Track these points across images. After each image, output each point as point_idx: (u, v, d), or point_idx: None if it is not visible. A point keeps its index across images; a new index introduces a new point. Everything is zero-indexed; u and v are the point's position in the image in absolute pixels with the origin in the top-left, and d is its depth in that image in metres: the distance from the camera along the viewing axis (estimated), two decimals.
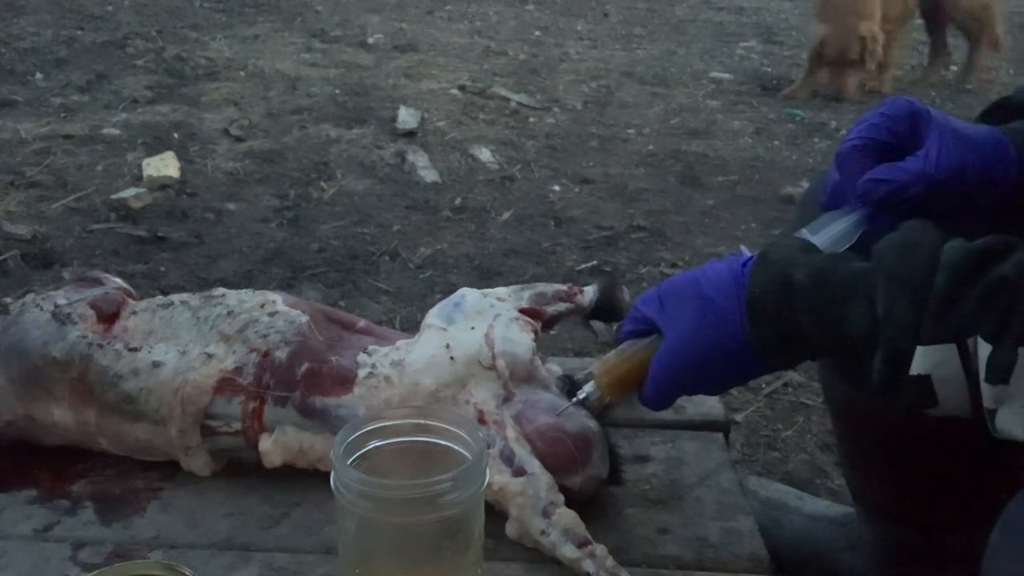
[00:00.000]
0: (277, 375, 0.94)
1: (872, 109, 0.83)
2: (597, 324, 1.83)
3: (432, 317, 0.99)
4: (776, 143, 3.16)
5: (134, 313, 1.03)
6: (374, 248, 2.30)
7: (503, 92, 3.52)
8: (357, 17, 4.59)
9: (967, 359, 0.65)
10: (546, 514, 0.85)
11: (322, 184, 2.66)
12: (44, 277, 2.09)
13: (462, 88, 3.55)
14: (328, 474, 0.73)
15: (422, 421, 0.78)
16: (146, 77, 3.51)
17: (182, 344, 0.97)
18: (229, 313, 0.99)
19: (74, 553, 0.87)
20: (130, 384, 0.94)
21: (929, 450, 0.99)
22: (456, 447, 0.76)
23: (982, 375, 0.64)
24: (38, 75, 3.49)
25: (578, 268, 2.23)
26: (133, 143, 2.87)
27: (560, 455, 0.89)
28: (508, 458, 0.88)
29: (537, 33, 4.51)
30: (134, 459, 0.98)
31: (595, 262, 2.26)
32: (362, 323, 1.04)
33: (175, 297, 1.04)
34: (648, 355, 0.81)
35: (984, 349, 0.63)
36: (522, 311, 1.01)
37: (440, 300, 1.03)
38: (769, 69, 4.00)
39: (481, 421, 0.90)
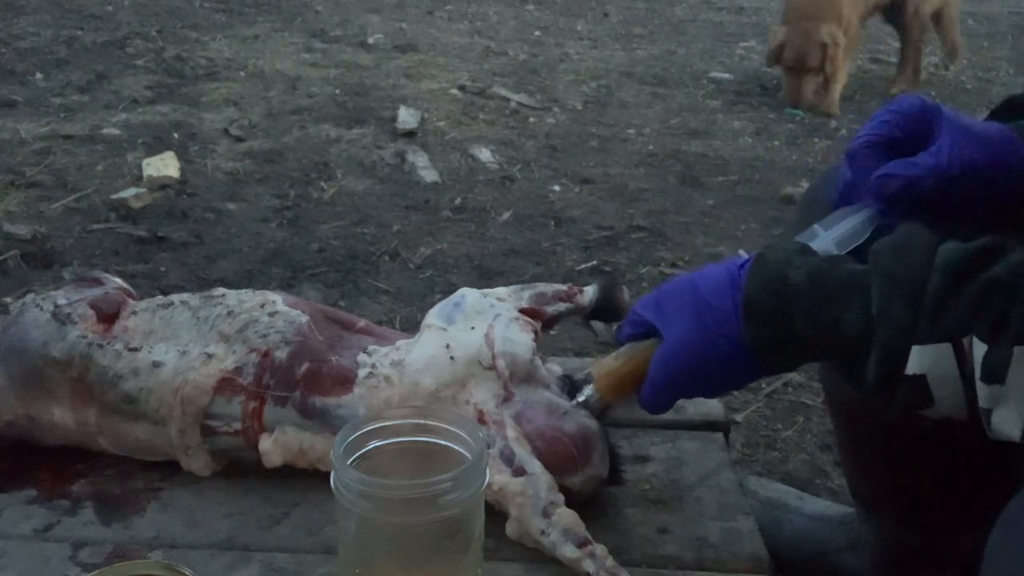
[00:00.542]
0: (277, 375, 0.94)
1: (884, 107, 0.83)
2: (597, 324, 1.83)
3: (432, 317, 0.99)
4: (776, 143, 3.17)
5: (134, 313, 1.03)
6: (374, 248, 2.30)
7: (503, 92, 3.52)
8: (357, 17, 4.59)
9: (962, 359, 0.65)
10: (546, 514, 0.85)
11: (322, 184, 2.66)
12: (44, 277, 2.09)
13: (462, 88, 3.55)
14: (328, 474, 0.73)
15: (422, 421, 0.78)
16: (146, 77, 3.51)
17: (182, 344, 0.97)
18: (229, 313, 0.99)
19: (74, 553, 0.87)
20: (130, 384, 0.94)
21: (929, 450, 0.99)
22: (456, 447, 0.76)
23: (977, 374, 0.64)
24: (38, 75, 3.49)
25: (578, 268, 2.23)
26: (133, 143, 2.87)
27: (560, 455, 0.89)
28: (508, 458, 0.88)
29: (537, 33, 4.51)
30: (134, 459, 0.98)
31: (595, 262, 2.26)
32: (362, 323, 1.04)
33: (175, 297, 1.04)
34: (647, 358, 0.81)
35: (980, 349, 0.64)
36: (522, 311, 1.01)
37: (440, 300, 1.03)
38: (769, 69, 4.00)
39: (481, 421, 0.90)
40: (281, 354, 0.95)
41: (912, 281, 0.66)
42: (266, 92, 3.42)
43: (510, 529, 0.87)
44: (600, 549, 0.83)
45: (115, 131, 2.96)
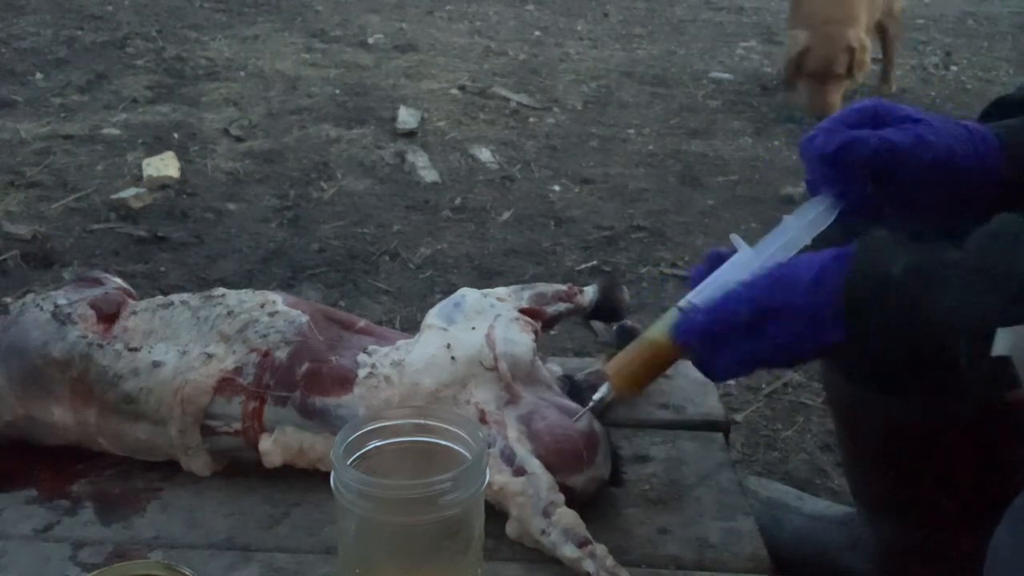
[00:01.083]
0: (277, 375, 0.94)
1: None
2: (597, 324, 1.83)
3: (432, 317, 0.99)
4: (776, 143, 3.16)
5: (134, 313, 1.03)
6: (374, 248, 2.30)
7: (503, 92, 3.52)
8: (357, 17, 4.58)
9: None
10: (546, 514, 0.85)
11: (322, 184, 2.66)
12: (44, 277, 2.09)
13: (462, 88, 3.55)
14: (328, 474, 0.73)
15: (422, 421, 0.78)
16: (146, 77, 3.51)
17: (182, 344, 0.97)
18: (229, 313, 0.99)
19: (74, 553, 0.87)
20: (130, 384, 0.94)
21: (929, 450, 0.99)
22: (456, 447, 0.76)
23: None
24: (38, 75, 3.49)
25: (578, 268, 2.23)
26: (133, 143, 2.87)
27: (568, 453, 0.89)
28: (508, 458, 0.88)
29: (537, 33, 4.51)
30: (134, 459, 0.98)
31: (595, 262, 2.26)
32: (362, 323, 1.04)
33: (175, 297, 1.04)
34: (658, 349, 0.80)
35: None
36: (522, 311, 1.01)
37: (440, 300, 1.03)
38: (769, 69, 3.99)
39: (482, 421, 0.90)
40: (281, 354, 0.95)
41: (1000, 266, 0.66)
42: (266, 92, 3.42)
43: (510, 529, 0.87)
44: (600, 549, 0.83)
45: (115, 131, 2.96)
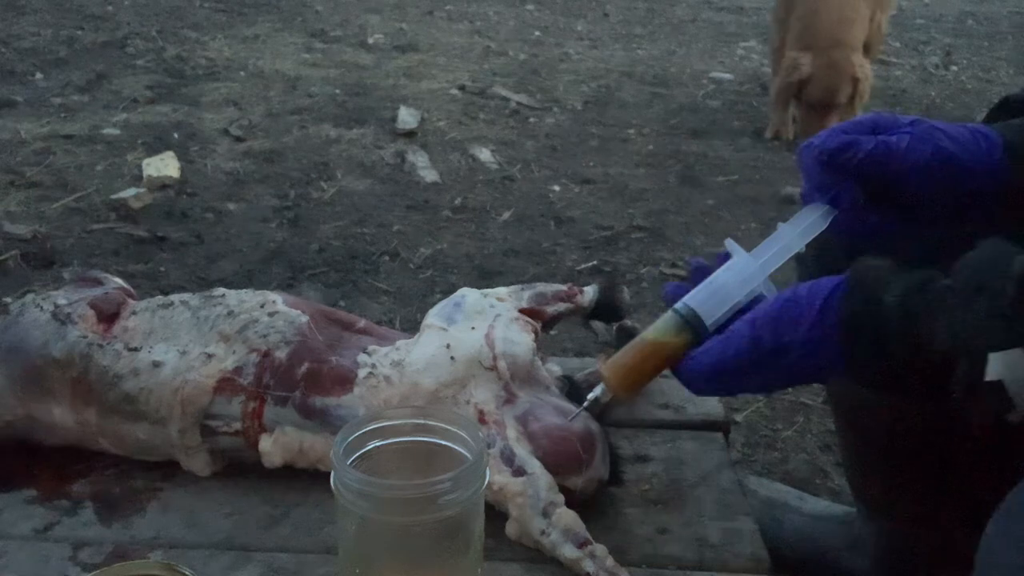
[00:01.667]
0: (277, 375, 0.94)
1: None
2: (597, 324, 1.83)
3: (432, 317, 0.99)
4: (776, 143, 3.16)
5: (134, 313, 1.03)
6: (374, 248, 2.30)
7: (503, 92, 3.52)
8: (357, 17, 4.59)
9: None
10: (546, 514, 0.85)
11: (322, 184, 2.66)
12: (44, 277, 2.09)
13: (462, 88, 3.55)
14: (328, 474, 0.73)
15: (422, 421, 0.78)
16: (146, 77, 3.51)
17: (182, 344, 0.97)
18: (229, 313, 0.99)
19: (74, 553, 0.87)
20: (130, 384, 0.94)
21: (930, 450, 0.99)
22: (456, 447, 0.76)
23: None
24: (38, 75, 3.49)
25: (578, 268, 2.23)
26: (133, 143, 2.87)
27: (566, 454, 0.89)
28: (508, 458, 0.88)
29: (537, 33, 4.51)
30: (134, 459, 0.98)
31: (595, 262, 2.26)
32: (362, 323, 1.04)
33: (175, 297, 1.04)
34: (655, 350, 0.80)
35: None
36: (522, 311, 1.01)
37: (440, 300, 1.03)
38: (769, 69, 4.00)
39: (481, 421, 0.90)
40: (281, 354, 0.95)
41: (990, 292, 0.66)
42: (266, 92, 3.42)
43: (510, 529, 0.87)
44: (600, 549, 0.83)
45: (115, 131, 2.96)
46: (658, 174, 2.85)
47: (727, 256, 0.84)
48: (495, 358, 0.93)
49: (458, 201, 2.59)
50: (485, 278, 2.15)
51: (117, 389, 0.94)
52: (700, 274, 0.84)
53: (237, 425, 0.94)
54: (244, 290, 1.04)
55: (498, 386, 0.93)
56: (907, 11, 5.26)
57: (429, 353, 0.94)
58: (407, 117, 3.15)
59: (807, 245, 0.83)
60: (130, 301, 1.06)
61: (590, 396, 0.84)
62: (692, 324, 0.79)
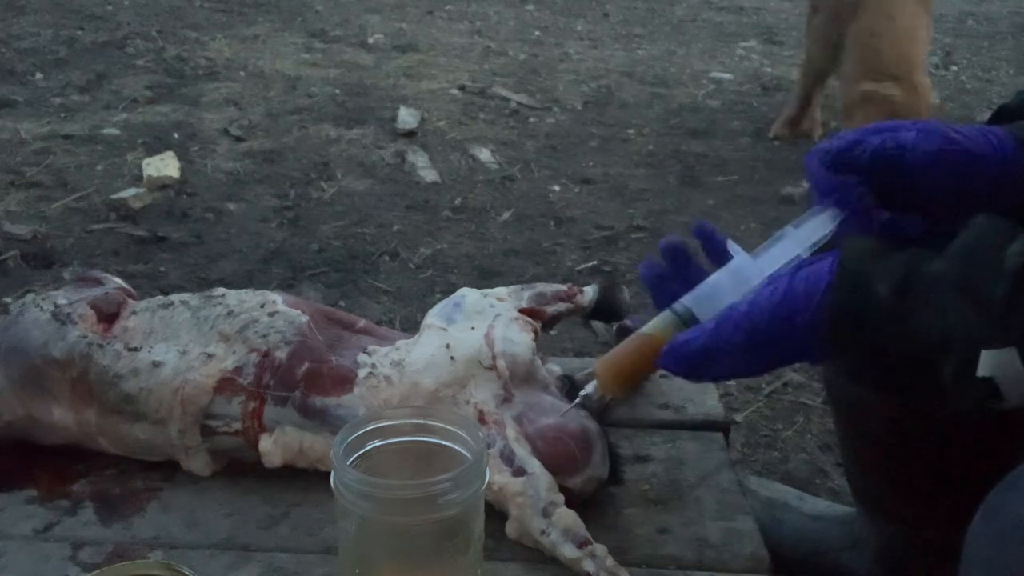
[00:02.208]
0: (277, 375, 0.94)
1: None
2: (597, 324, 1.83)
3: (432, 317, 0.99)
4: (776, 143, 3.16)
5: (134, 313, 1.03)
6: (374, 248, 2.30)
7: (503, 92, 3.52)
8: (357, 17, 4.58)
9: None
10: (546, 514, 0.85)
11: (322, 184, 2.66)
12: (44, 277, 2.09)
13: (462, 88, 3.55)
14: (328, 474, 0.73)
15: (422, 421, 0.78)
16: (146, 77, 3.51)
17: (182, 344, 0.97)
18: (229, 313, 0.99)
19: (74, 553, 0.87)
20: (130, 384, 0.94)
21: (931, 449, 0.99)
22: (456, 447, 0.76)
23: None
24: (38, 75, 3.49)
25: (578, 268, 2.23)
26: (133, 143, 2.87)
27: (562, 456, 0.89)
28: (508, 458, 0.88)
29: (537, 33, 4.51)
30: (134, 459, 0.98)
31: (595, 262, 2.26)
32: (362, 323, 1.04)
33: (175, 297, 1.04)
34: (649, 348, 0.80)
35: None
36: (522, 311, 1.01)
37: (440, 300, 1.03)
38: (769, 69, 4.00)
39: (481, 421, 0.90)
40: (281, 354, 0.95)
41: (980, 288, 0.66)
42: (266, 92, 3.42)
43: (510, 529, 0.87)
44: (600, 549, 0.83)
45: (115, 131, 2.96)
46: (658, 174, 2.85)
47: (705, 234, 0.83)
48: (495, 358, 0.93)
49: (458, 201, 2.59)
50: (485, 278, 2.15)
51: (117, 389, 0.94)
52: (674, 253, 0.83)
53: (237, 425, 0.94)
54: (244, 290, 1.04)
55: (498, 386, 0.93)
56: None
57: (429, 353, 0.94)
58: (407, 117, 3.15)
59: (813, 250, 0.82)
60: (130, 301, 1.06)
61: (581, 392, 0.84)
62: (687, 324, 0.79)
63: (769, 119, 3.39)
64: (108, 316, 1.02)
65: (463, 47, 4.17)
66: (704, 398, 1.12)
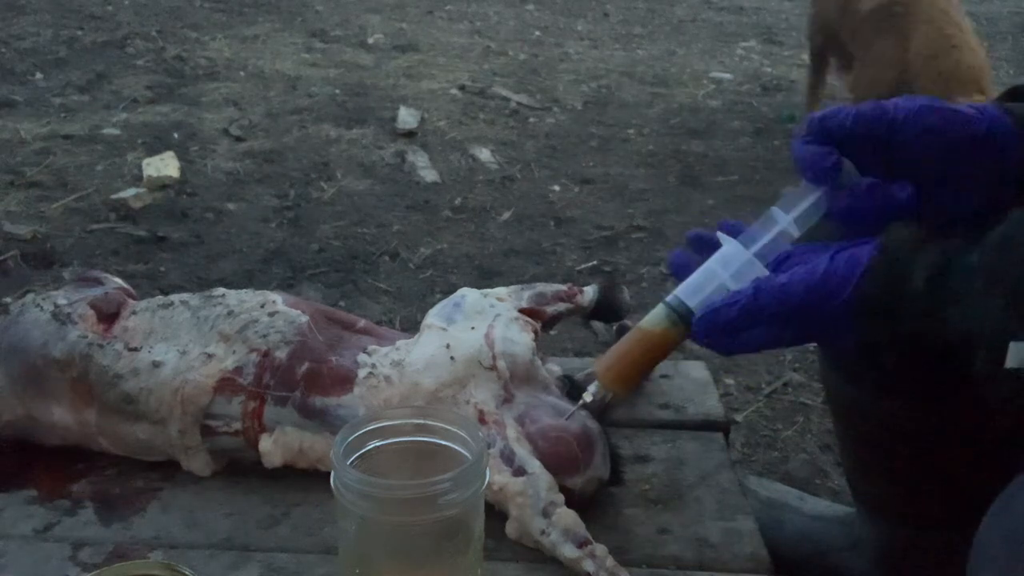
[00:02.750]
0: (277, 375, 0.94)
1: None
2: (597, 324, 1.83)
3: (432, 317, 0.99)
4: (776, 143, 3.16)
5: (134, 313, 1.03)
6: (374, 248, 2.30)
7: (503, 92, 3.52)
8: (357, 17, 4.58)
9: None
10: (546, 514, 0.85)
11: (322, 184, 2.66)
12: (44, 277, 2.09)
13: (462, 88, 3.55)
14: (328, 474, 0.73)
15: (422, 421, 0.78)
16: (146, 77, 3.51)
17: (182, 344, 0.97)
18: (229, 313, 0.99)
19: (74, 553, 0.87)
20: (130, 384, 0.94)
21: (929, 451, 0.99)
22: (456, 447, 0.76)
23: None
24: (38, 75, 3.49)
25: (578, 268, 2.23)
26: (133, 143, 2.87)
27: (563, 455, 0.89)
28: (508, 458, 0.88)
29: (537, 33, 4.51)
30: (134, 459, 0.98)
31: (595, 262, 2.26)
32: (362, 323, 1.04)
33: (175, 297, 1.04)
34: (648, 344, 0.80)
35: None
36: (522, 311, 1.01)
37: (440, 300, 1.03)
38: (769, 69, 4.00)
39: (481, 421, 0.90)
40: (281, 354, 0.95)
41: (1010, 278, 0.65)
42: (266, 92, 3.42)
43: (510, 529, 0.87)
44: (600, 549, 0.83)
45: (115, 131, 2.96)
46: (658, 174, 2.85)
47: (730, 231, 0.83)
48: (495, 358, 0.93)
49: (458, 201, 2.59)
50: (485, 278, 2.15)
51: (117, 389, 0.94)
52: (701, 243, 0.82)
53: (237, 425, 0.94)
54: (244, 290, 1.04)
55: (498, 386, 0.93)
56: None
57: (429, 353, 0.94)
58: (407, 117, 3.15)
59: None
60: (130, 301, 1.06)
61: (584, 395, 0.84)
62: (683, 316, 0.79)
63: (769, 119, 3.40)
64: (108, 316, 1.02)
65: (463, 47, 4.17)
66: (704, 398, 1.12)
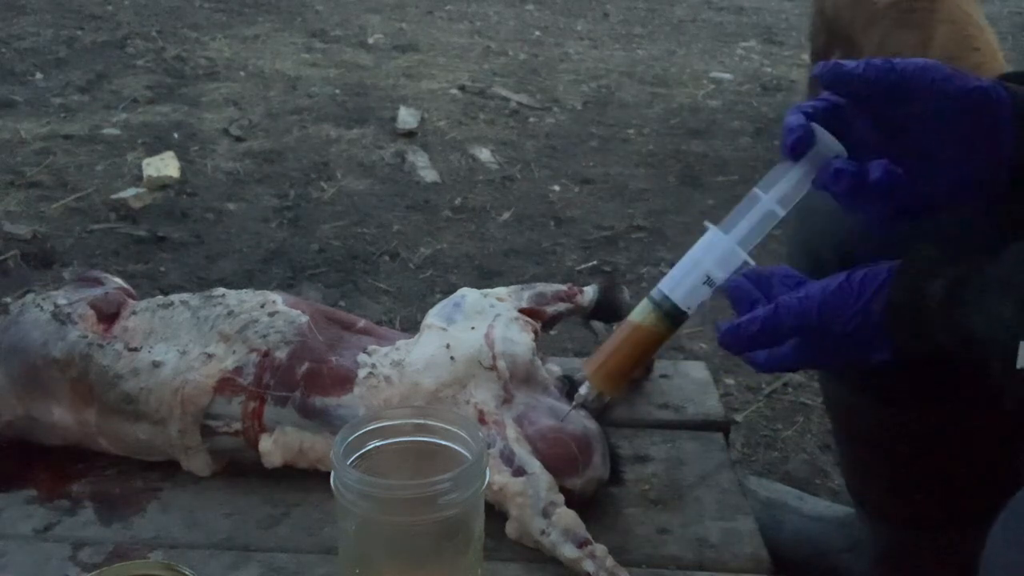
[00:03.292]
0: (277, 375, 0.94)
1: None
2: (597, 324, 1.83)
3: (432, 317, 0.99)
4: (776, 143, 3.16)
5: (134, 313, 1.03)
6: (374, 248, 2.30)
7: (503, 92, 3.52)
8: (357, 17, 4.58)
9: None
10: (546, 514, 0.85)
11: (322, 184, 2.66)
12: (44, 277, 2.09)
13: (462, 88, 3.55)
14: (328, 474, 0.73)
15: (422, 421, 0.78)
16: (146, 77, 3.51)
17: (182, 344, 0.97)
18: (229, 313, 0.99)
19: (74, 553, 0.87)
20: (130, 384, 0.94)
21: (928, 453, 0.99)
22: (456, 447, 0.76)
23: None
24: (38, 75, 3.49)
25: (578, 268, 2.23)
26: (133, 143, 2.87)
27: (562, 457, 0.89)
28: (508, 458, 0.88)
29: (537, 33, 4.51)
30: (134, 459, 0.98)
31: (595, 262, 2.26)
32: (362, 323, 1.04)
33: (175, 297, 1.04)
34: (635, 342, 0.79)
35: None
36: (522, 311, 1.01)
37: (440, 300, 1.03)
38: (769, 69, 4.00)
39: (481, 421, 0.90)
40: (281, 354, 0.95)
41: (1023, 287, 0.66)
42: (266, 92, 3.42)
43: (510, 529, 0.87)
44: (600, 549, 0.83)
45: (115, 131, 2.96)
46: (658, 174, 2.85)
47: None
48: (495, 358, 0.93)
49: (458, 201, 2.59)
50: (485, 278, 2.15)
51: (117, 389, 0.94)
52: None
53: (237, 425, 0.94)
54: (244, 290, 1.04)
55: (498, 386, 0.93)
56: None
57: (429, 353, 0.94)
58: (407, 117, 3.15)
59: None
60: (130, 301, 1.06)
61: (577, 396, 0.84)
62: (666, 310, 0.78)
63: (769, 119, 3.39)
64: (108, 316, 1.02)
65: (463, 47, 4.17)
66: (704, 398, 1.12)
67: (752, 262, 0.79)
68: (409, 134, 3.04)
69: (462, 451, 0.76)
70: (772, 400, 1.76)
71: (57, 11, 4.34)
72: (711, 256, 0.78)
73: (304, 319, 0.98)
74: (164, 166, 2.64)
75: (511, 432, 0.89)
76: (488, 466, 0.75)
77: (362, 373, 0.94)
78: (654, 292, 0.79)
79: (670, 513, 0.94)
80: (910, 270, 0.73)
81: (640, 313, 0.79)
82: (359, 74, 3.69)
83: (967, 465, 0.97)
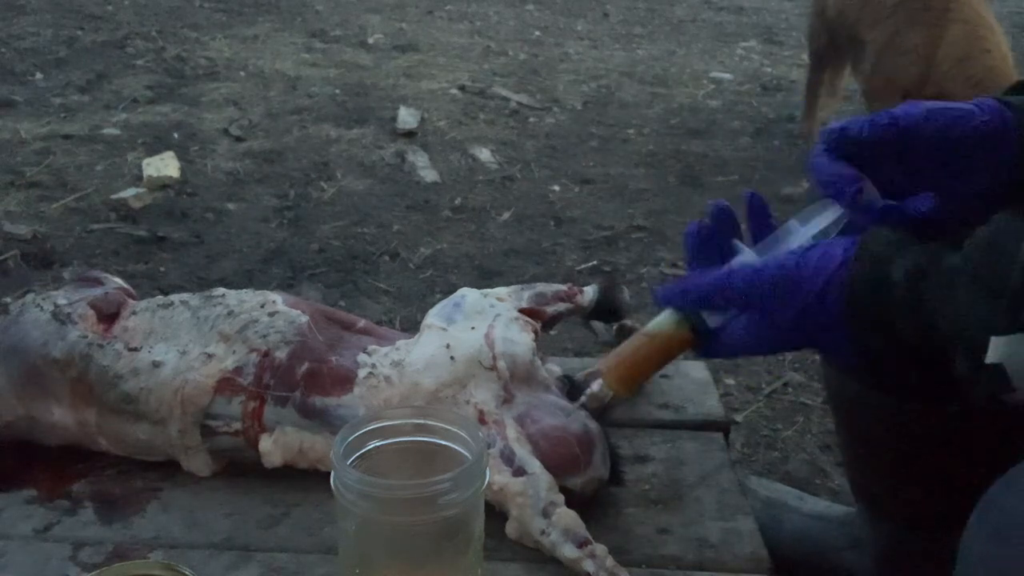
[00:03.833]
0: (277, 375, 0.94)
1: None
2: (597, 324, 1.83)
3: (432, 317, 0.99)
4: (776, 143, 3.16)
5: (134, 313, 1.03)
6: (374, 248, 2.30)
7: (503, 92, 3.52)
8: (357, 17, 4.58)
9: None
10: (546, 514, 0.85)
11: (322, 184, 2.66)
12: (44, 277, 2.09)
13: (462, 88, 3.55)
14: (328, 474, 0.73)
15: (422, 421, 0.78)
16: (146, 77, 3.51)
17: (182, 344, 0.97)
18: (229, 313, 0.99)
19: (74, 553, 0.87)
20: (130, 384, 0.94)
21: (930, 449, 0.99)
22: (456, 447, 0.76)
23: None
24: (38, 75, 3.49)
25: (578, 268, 2.23)
26: (133, 143, 2.87)
27: (563, 456, 0.89)
28: (508, 458, 0.88)
29: (537, 33, 4.51)
30: (134, 459, 0.98)
31: (595, 262, 2.26)
32: (362, 323, 1.04)
33: (175, 297, 1.04)
34: (657, 345, 0.80)
35: None
36: (522, 311, 1.01)
37: (440, 300, 1.03)
38: (769, 69, 4.00)
39: (481, 421, 0.90)
40: (281, 354, 0.95)
41: (996, 278, 0.66)
42: (266, 92, 3.42)
43: (510, 529, 0.87)
44: (600, 549, 0.83)
45: (115, 131, 2.96)
46: (658, 174, 2.85)
47: (755, 206, 0.82)
48: (495, 358, 0.93)
49: (458, 201, 2.59)
50: (485, 278, 2.15)
51: (117, 389, 0.94)
52: (721, 215, 0.82)
53: (237, 425, 0.94)
54: (244, 290, 1.04)
55: (498, 386, 0.93)
56: None
57: (429, 353, 0.94)
58: (407, 117, 3.15)
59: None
60: (130, 301, 1.06)
61: (586, 392, 0.84)
62: (691, 320, 0.79)
63: (769, 119, 3.40)
64: (108, 316, 1.02)
65: (463, 47, 4.17)
66: (704, 398, 1.12)
67: None
68: (409, 134, 3.04)
69: (462, 451, 0.76)
70: (772, 400, 1.76)
71: (57, 11, 4.34)
72: None
73: (304, 319, 0.98)
74: (164, 166, 2.64)
75: (511, 432, 0.89)
76: (488, 466, 0.75)
77: (362, 373, 0.94)
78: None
79: (670, 513, 0.94)
80: (869, 251, 0.72)
81: (664, 321, 0.80)
82: (359, 74, 3.69)
83: (967, 465, 0.97)
